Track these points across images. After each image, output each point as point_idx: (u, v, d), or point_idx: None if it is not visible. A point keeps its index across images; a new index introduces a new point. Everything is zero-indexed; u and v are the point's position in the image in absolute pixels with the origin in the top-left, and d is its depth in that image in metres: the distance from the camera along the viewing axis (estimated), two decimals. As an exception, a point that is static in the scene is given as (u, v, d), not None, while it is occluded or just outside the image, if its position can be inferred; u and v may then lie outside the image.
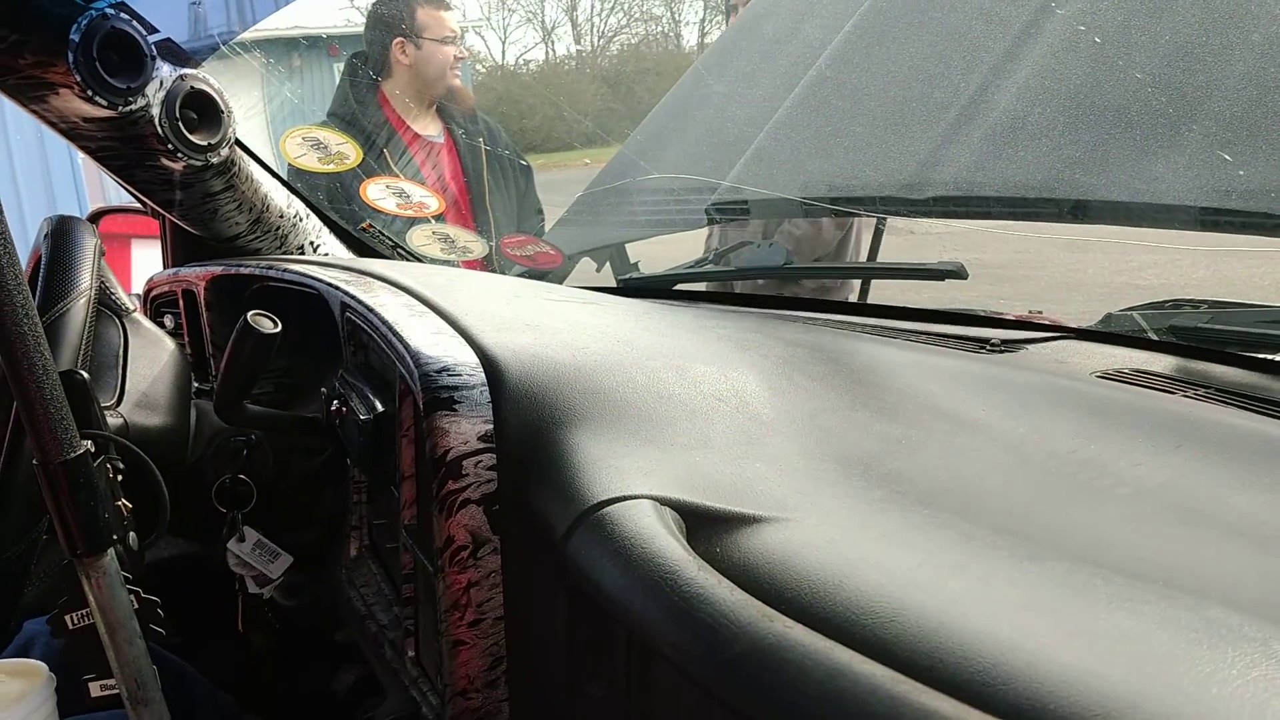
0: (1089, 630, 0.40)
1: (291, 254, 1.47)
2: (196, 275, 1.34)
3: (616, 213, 1.45)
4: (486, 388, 0.69)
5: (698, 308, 1.12)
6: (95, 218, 1.68)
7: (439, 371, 0.70)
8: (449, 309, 0.83)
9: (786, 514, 0.55)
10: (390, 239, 1.52)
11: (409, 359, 0.74)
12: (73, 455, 0.70)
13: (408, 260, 1.56)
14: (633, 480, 0.59)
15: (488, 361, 0.71)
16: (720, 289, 1.39)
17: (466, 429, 0.68)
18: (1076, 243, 0.96)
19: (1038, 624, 0.41)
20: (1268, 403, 0.77)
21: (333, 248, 1.52)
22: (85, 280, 0.98)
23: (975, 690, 0.37)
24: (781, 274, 1.13)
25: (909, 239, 1.39)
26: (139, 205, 1.52)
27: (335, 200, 1.53)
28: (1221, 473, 0.64)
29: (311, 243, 1.50)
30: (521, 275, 1.68)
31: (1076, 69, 1.03)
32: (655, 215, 1.34)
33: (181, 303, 1.38)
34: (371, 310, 0.88)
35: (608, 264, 1.56)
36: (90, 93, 1.18)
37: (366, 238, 1.52)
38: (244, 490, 1.03)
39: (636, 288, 1.30)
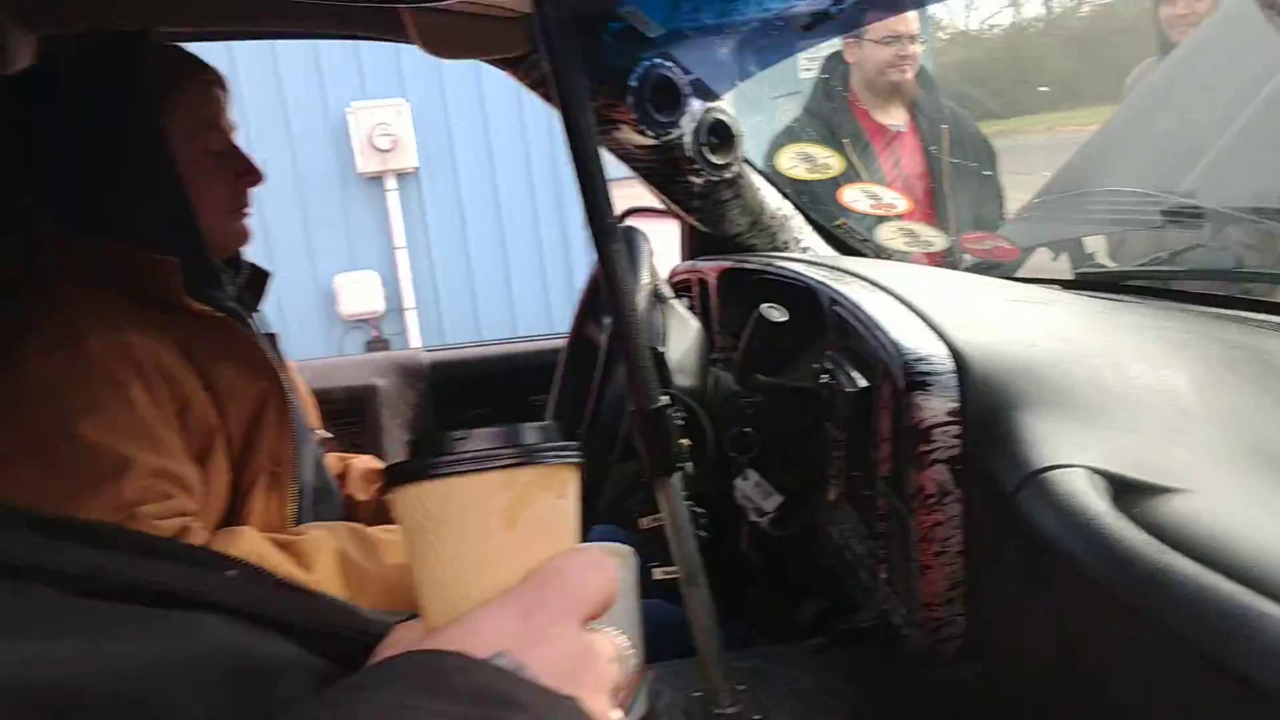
0: None
1: (779, 249, 1.76)
2: (710, 267, 1.67)
3: (1072, 211, 1.56)
4: (955, 375, 0.90)
5: (1145, 304, 1.23)
6: (624, 215, 2.10)
7: (916, 360, 0.93)
8: (922, 308, 1.05)
9: (1194, 488, 0.70)
10: (861, 234, 1.76)
11: (892, 349, 0.97)
12: (656, 405, 1.02)
13: (874, 253, 1.79)
14: (1070, 453, 0.77)
15: (956, 354, 0.92)
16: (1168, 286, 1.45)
17: (937, 405, 0.90)
18: None
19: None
20: None
21: (811, 242, 1.79)
22: (645, 276, 1.32)
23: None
24: (1231, 278, 1.20)
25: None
26: (656, 207, 1.90)
27: (816, 201, 1.80)
28: None
29: (795, 238, 1.78)
30: (974, 265, 1.83)
31: None
32: (1109, 217, 1.43)
33: (695, 289, 1.73)
34: (858, 307, 1.12)
35: (1063, 256, 1.67)
36: (643, 126, 1.54)
37: (840, 233, 1.77)
38: (749, 440, 1.33)
39: (1090, 282, 1.41)
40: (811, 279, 1.29)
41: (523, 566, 0.48)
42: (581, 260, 7.02)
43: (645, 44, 1.53)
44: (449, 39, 1.45)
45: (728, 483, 1.38)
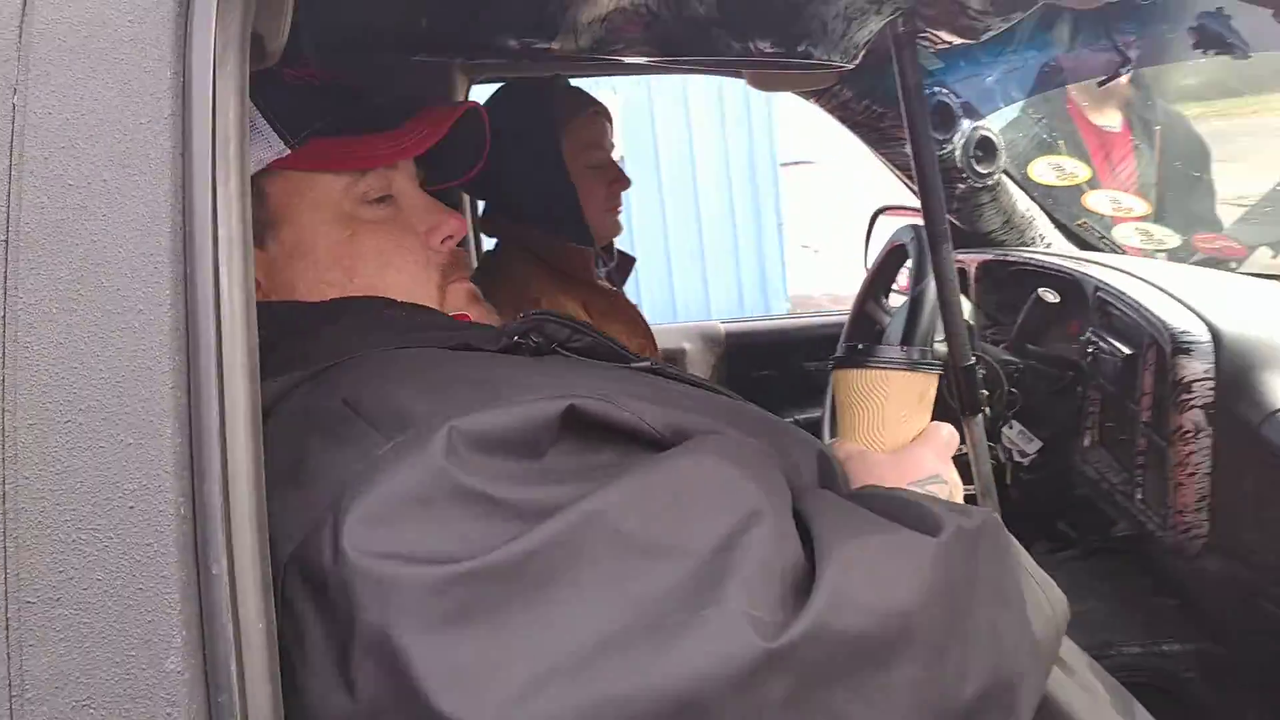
0: None
1: (1027, 244, 2.08)
2: (969, 258, 2.01)
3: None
4: (1211, 343, 1.23)
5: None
6: (880, 211, 2.45)
7: (1181, 332, 1.26)
8: (1177, 293, 1.37)
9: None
10: (1100, 233, 2.06)
11: (1159, 324, 1.30)
12: (968, 362, 1.38)
13: (1111, 250, 2.09)
14: (1303, 398, 1.10)
15: (1211, 328, 1.25)
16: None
17: (1197, 366, 1.23)
18: None
19: None
20: None
21: (1054, 240, 2.10)
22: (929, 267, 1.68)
23: None
24: None
25: None
26: (907, 205, 2.25)
27: (1060, 203, 2.10)
28: None
29: (1040, 235, 2.10)
30: (1200, 261, 2.10)
31: None
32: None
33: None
34: (1123, 292, 1.45)
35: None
36: (921, 144, 1.89)
37: (1081, 232, 2.08)
38: (1014, 397, 1.67)
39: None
40: (1077, 271, 1.62)
41: (919, 427, 0.89)
42: (774, 249, 7.38)
43: (924, 74, 1.88)
44: (772, 79, 1.84)
45: (996, 430, 1.73)
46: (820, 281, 8.73)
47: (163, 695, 0.45)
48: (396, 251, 0.86)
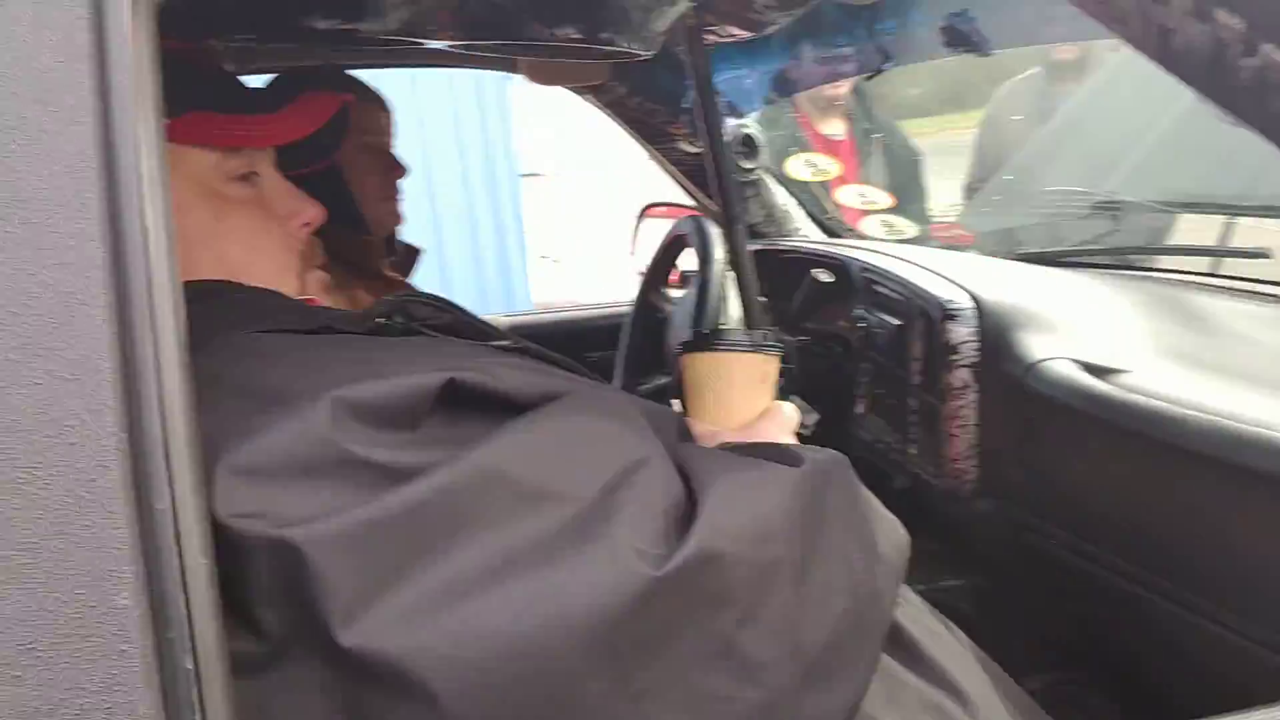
0: (1239, 388, 1.03)
1: (786, 235, 2.23)
2: (740, 249, 2.13)
3: (1012, 205, 2.07)
4: (974, 310, 1.38)
5: (1079, 272, 1.73)
6: (648, 208, 2.54)
7: (947, 301, 1.40)
8: (940, 270, 1.52)
9: (1137, 369, 1.19)
10: (849, 225, 2.24)
11: (927, 295, 1.44)
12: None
13: (856, 239, 2.28)
14: (1054, 350, 1.25)
15: (973, 296, 1.40)
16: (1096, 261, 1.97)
17: (962, 330, 1.38)
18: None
19: (1257, 412, 1.03)
20: None
21: (809, 231, 2.27)
22: (718, 253, 1.77)
23: (1210, 428, 1.01)
24: (1146, 253, 1.71)
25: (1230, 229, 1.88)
26: (680, 202, 2.35)
27: (814, 196, 2.27)
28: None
29: (797, 228, 2.25)
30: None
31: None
32: (1045, 210, 1.95)
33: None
34: (889, 270, 1.59)
35: (1000, 242, 2.18)
36: (693, 139, 1.99)
37: (832, 224, 2.25)
38: (793, 372, 1.79)
39: (1031, 260, 1.92)
40: (842, 254, 1.76)
41: (764, 405, 0.95)
42: (517, 258, 7.42)
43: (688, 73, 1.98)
44: (550, 72, 1.87)
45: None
46: (562, 289, 8.88)
47: (113, 632, 0.44)
48: (262, 234, 0.87)
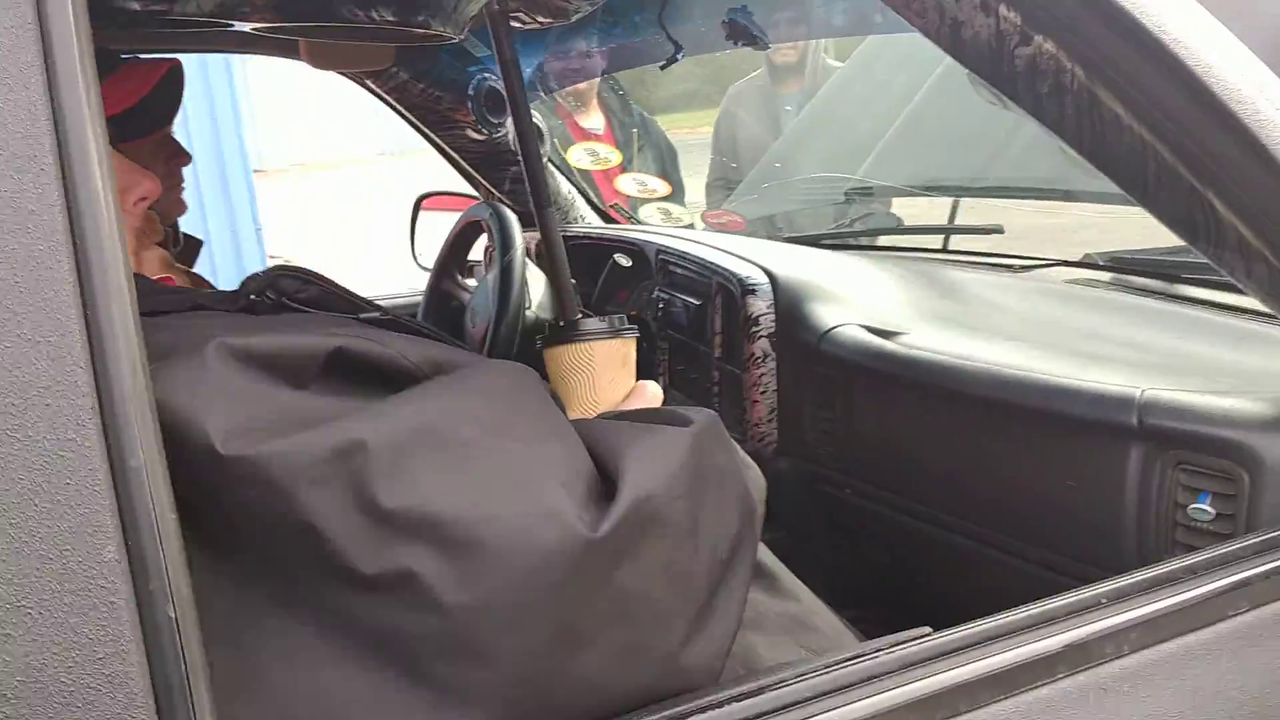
0: (1027, 357, 1.20)
1: (570, 223, 2.29)
2: (529, 235, 2.16)
3: (779, 192, 2.24)
4: (770, 285, 1.50)
5: (841, 252, 1.91)
6: (424, 198, 2.52)
7: (746, 278, 1.51)
8: (733, 250, 1.63)
9: (912, 332, 1.34)
10: (629, 213, 2.34)
11: (726, 273, 1.55)
12: (575, 317, 1.52)
13: (638, 226, 2.37)
14: (844, 318, 1.39)
15: (768, 273, 1.51)
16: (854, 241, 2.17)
17: (761, 304, 1.49)
18: (1065, 215, 1.71)
19: (1011, 359, 1.20)
20: (1155, 293, 1.53)
21: (591, 219, 2.34)
22: (519, 240, 1.80)
23: (980, 374, 1.16)
24: (895, 232, 1.91)
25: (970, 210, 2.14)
26: (457, 191, 2.36)
27: (591, 186, 2.35)
28: (1121, 318, 1.41)
29: (581, 215, 2.32)
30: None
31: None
32: (807, 195, 2.12)
33: (514, 253, 2.21)
34: (685, 252, 1.69)
35: (768, 226, 2.35)
36: (480, 126, 2.01)
37: (613, 211, 2.34)
38: (645, 349, 1.85)
39: (798, 241, 2.09)
40: (640, 239, 1.85)
41: (628, 387, 1.02)
42: (254, 257, 7.06)
43: (472, 60, 2.00)
44: (332, 57, 1.82)
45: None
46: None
47: (102, 584, 0.44)
48: None
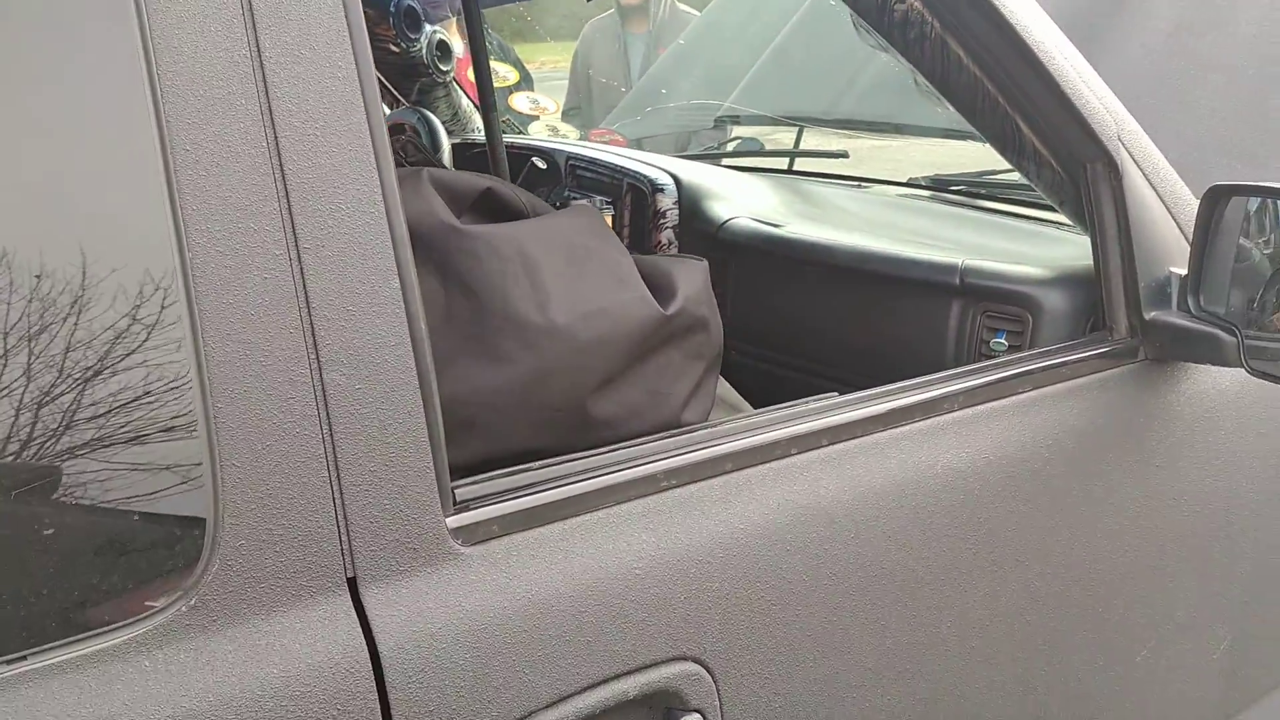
0: (877, 243, 1.60)
1: (468, 134, 2.55)
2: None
3: (657, 117, 2.57)
4: (674, 184, 1.84)
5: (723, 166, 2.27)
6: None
7: (655, 178, 1.85)
8: (640, 159, 1.96)
9: (789, 224, 1.72)
10: (519, 127, 2.61)
11: (637, 175, 1.87)
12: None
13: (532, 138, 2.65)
14: (737, 212, 1.76)
15: (674, 176, 1.86)
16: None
17: (668, 200, 1.83)
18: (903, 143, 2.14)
19: (853, 239, 1.60)
20: (964, 205, 1.97)
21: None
22: (447, 145, 2.06)
23: (846, 250, 1.55)
24: (760, 155, 2.29)
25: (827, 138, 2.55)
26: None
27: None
28: (941, 221, 1.83)
29: (478, 128, 2.58)
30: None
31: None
32: (680, 119, 2.46)
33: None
34: (597, 159, 2.00)
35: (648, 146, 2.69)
36: (399, 41, 2.24)
37: (506, 126, 2.61)
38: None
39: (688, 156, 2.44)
40: (551, 148, 2.14)
41: None
42: None
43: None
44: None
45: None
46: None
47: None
48: None
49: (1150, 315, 1.22)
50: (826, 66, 2.24)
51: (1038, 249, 1.60)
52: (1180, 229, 1.26)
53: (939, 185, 1.98)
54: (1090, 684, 1.22)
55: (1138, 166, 1.23)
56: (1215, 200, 1.12)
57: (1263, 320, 1.12)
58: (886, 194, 2.04)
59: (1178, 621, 1.29)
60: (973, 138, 2.06)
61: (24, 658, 0.60)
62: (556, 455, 0.84)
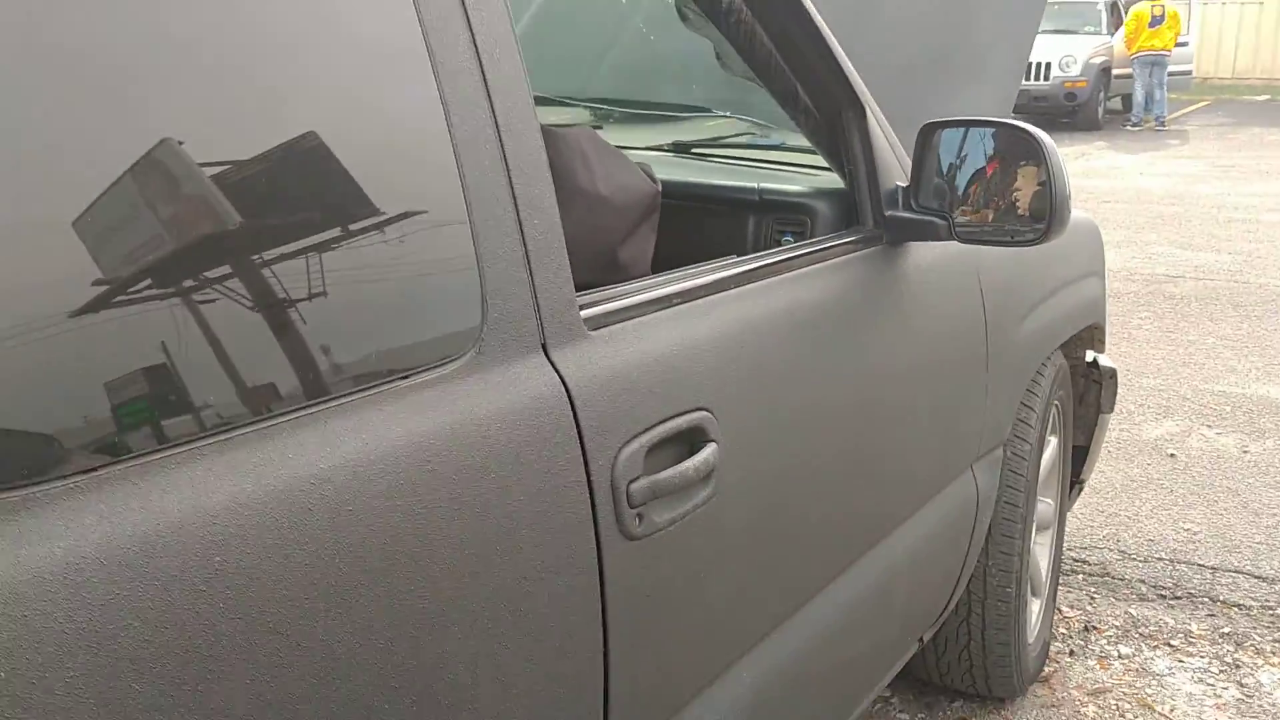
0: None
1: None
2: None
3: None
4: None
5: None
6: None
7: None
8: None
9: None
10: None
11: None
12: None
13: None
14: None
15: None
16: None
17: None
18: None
19: (672, 175, 2.16)
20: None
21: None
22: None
23: (670, 183, 2.11)
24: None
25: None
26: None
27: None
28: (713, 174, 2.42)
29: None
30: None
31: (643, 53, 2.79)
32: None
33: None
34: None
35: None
36: None
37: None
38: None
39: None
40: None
41: None
42: None
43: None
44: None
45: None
46: None
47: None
48: None
49: (889, 213, 1.88)
50: (575, 49, 2.78)
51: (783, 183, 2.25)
52: (895, 153, 1.94)
53: (684, 148, 2.57)
54: (868, 452, 1.87)
55: (870, 110, 1.89)
56: (930, 133, 1.79)
57: (962, 208, 1.81)
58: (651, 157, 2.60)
59: (916, 417, 1.98)
60: (707, 115, 2.69)
61: (395, 379, 0.99)
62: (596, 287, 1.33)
